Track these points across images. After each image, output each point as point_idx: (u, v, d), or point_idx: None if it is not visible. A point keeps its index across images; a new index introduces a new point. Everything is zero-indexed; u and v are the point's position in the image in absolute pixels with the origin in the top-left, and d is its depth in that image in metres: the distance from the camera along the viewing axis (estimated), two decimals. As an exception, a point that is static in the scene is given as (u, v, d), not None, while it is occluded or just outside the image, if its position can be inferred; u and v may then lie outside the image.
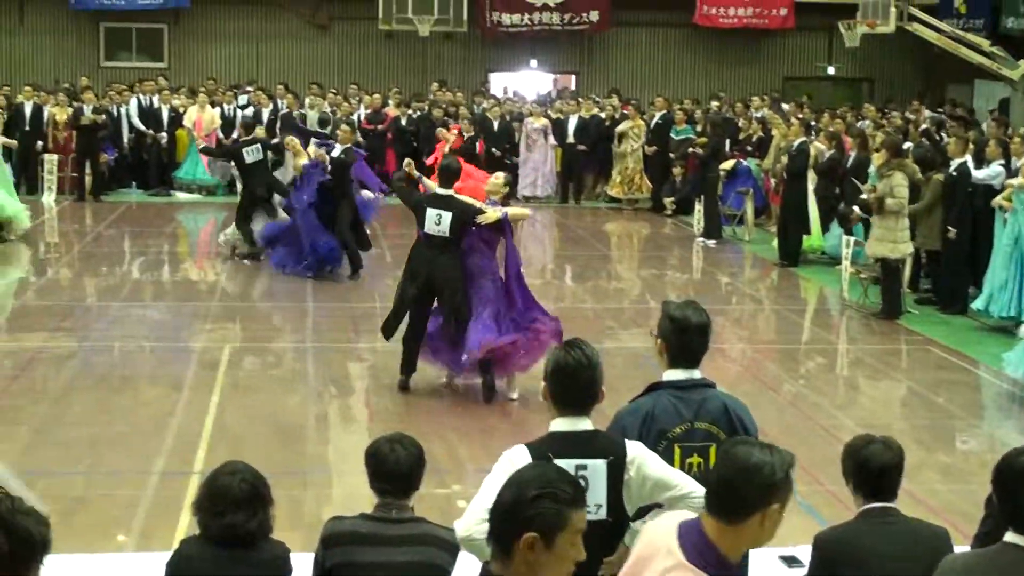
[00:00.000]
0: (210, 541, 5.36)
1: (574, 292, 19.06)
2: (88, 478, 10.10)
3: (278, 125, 25.10)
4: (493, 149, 27.50)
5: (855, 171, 19.55)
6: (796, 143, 20.93)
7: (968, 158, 17.12)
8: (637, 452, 5.25)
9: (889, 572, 5.57)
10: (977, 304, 16.30)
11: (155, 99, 28.09)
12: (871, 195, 16.77)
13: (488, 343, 12.18)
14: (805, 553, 6.17)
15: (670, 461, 5.45)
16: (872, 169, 18.05)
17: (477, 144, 22.82)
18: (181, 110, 27.85)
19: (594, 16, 33.05)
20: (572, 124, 28.04)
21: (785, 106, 28.19)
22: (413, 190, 13.08)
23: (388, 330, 12.78)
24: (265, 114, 26.89)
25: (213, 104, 27.72)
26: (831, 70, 35.09)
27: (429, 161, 21.68)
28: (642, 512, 5.31)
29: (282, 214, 19.52)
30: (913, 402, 13.42)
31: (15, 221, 21.12)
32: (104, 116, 26.47)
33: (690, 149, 24.99)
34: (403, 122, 27.97)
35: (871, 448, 5.84)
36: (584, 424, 5.25)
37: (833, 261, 20.08)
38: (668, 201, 26.23)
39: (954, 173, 17.11)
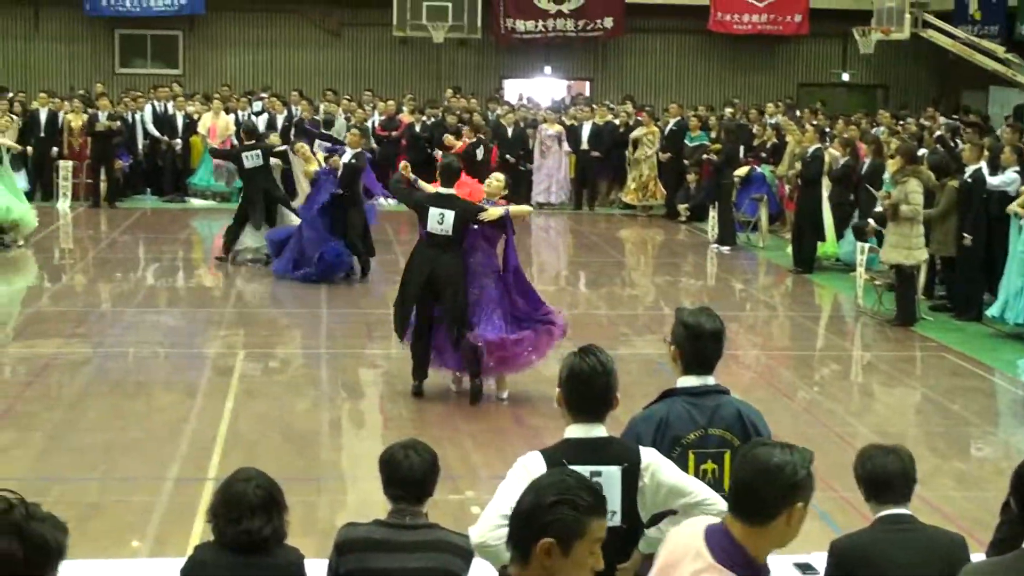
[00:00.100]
0: (224, 547, 5.36)
1: (588, 298, 19.05)
2: (102, 484, 10.11)
3: (292, 132, 25.18)
4: (507, 156, 27.52)
5: (870, 178, 19.54)
6: (811, 150, 20.91)
7: (983, 164, 17.08)
8: (651, 459, 5.24)
9: (905, 579, 5.56)
10: (992, 311, 16.27)
11: (170, 106, 28.15)
12: (886, 202, 16.74)
13: (496, 338, 12.25)
14: (820, 560, 6.15)
15: (684, 468, 5.44)
16: (887, 176, 18.02)
17: (478, 150, 22.88)
18: (196, 117, 27.91)
19: (608, 23, 33.04)
20: (586, 131, 28.04)
21: (797, 112, 28.17)
22: (413, 191, 13.18)
23: (401, 327, 12.76)
24: (280, 120, 26.95)
25: (228, 111, 27.75)
26: (846, 77, 35.04)
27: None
28: (656, 519, 5.30)
29: (291, 218, 19.59)
30: (928, 409, 13.39)
31: (21, 224, 21.15)
32: (119, 123, 26.54)
33: (704, 156, 24.97)
34: (417, 128, 27.97)
35: (878, 455, 5.84)
36: (598, 431, 5.24)
37: (847, 268, 20.03)
38: (682, 208, 26.23)
39: (969, 180, 17.07)
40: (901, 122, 26.45)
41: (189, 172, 27.91)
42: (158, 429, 11.53)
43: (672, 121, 27.55)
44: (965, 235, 16.86)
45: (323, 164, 18.90)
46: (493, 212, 12.30)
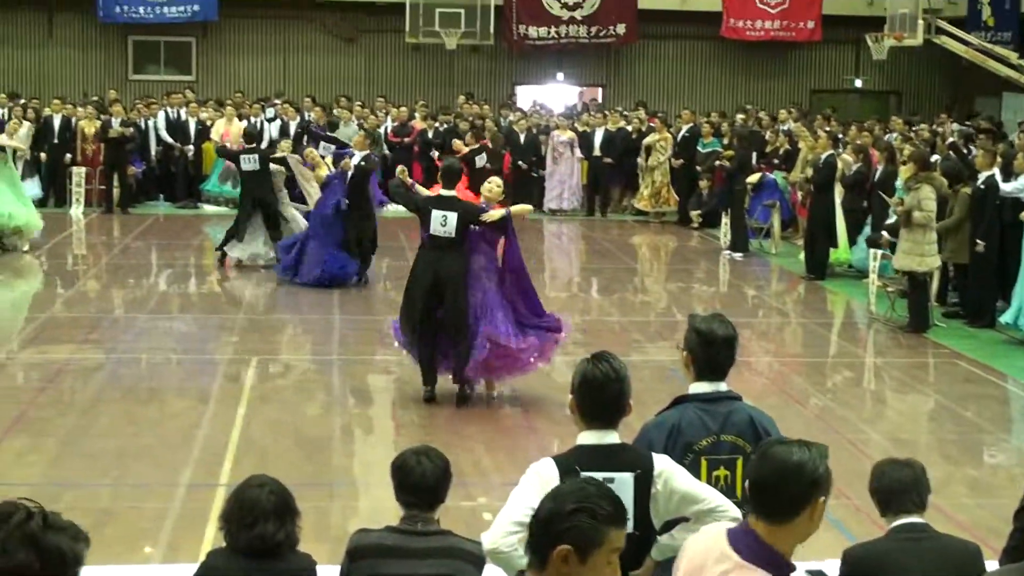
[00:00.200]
0: (237, 553, 5.36)
1: (600, 305, 19.04)
2: (115, 490, 10.12)
3: (305, 138, 25.25)
4: (519, 162, 27.55)
5: (882, 184, 19.51)
6: (824, 156, 20.87)
7: (996, 171, 17.05)
8: (664, 466, 5.23)
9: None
10: (1005, 317, 16.23)
11: (183, 112, 28.20)
12: (898, 208, 16.71)
13: (501, 337, 12.30)
14: (833, 568, 6.15)
15: (696, 474, 5.44)
16: (899, 182, 18.00)
17: (478, 157, 22.97)
18: (208, 123, 27.95)
19: (621, 29, 33.02)
20: (599, 137, 28.05)
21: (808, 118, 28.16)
22: (414, 194, 13.28)
23: (408, 330, 12.76)
24: (292, 127, 26.99)
25: (240, 117, 27.77)
26: (858, 83, 35.01)
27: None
28: (669, 526, 5.29)
29: (297, 225, 19.69)
30: (941, 416, 13.36)
31: (24, 230, 21.18)
32: (132, 129, 26.59)
33: (717, 162, 24.94)
34: (430, 135, 27.99)
35: (891, 468, 5.85)
36: (611, 437, 5.24)
37: (860, 274, 20.00)
38: (695, 214, 26.22)
39: (982, 186, 17.04)
40: (914, 128, 26.41)
41: (202, 178, 27.94)
42: (170, 435, 11.54)
43: (685, 127, 27.54)
44: (978, 241, 16.83)
45: (332, 168, 18.94)
46: (495, 213, 12.39)
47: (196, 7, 31.86)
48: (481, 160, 23.98)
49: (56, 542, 3.08)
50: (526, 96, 34.22)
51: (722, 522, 4.35)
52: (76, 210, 25.82)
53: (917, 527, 5.70)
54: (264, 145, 23.14)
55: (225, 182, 27.29)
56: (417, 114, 28.93)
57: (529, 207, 14.18)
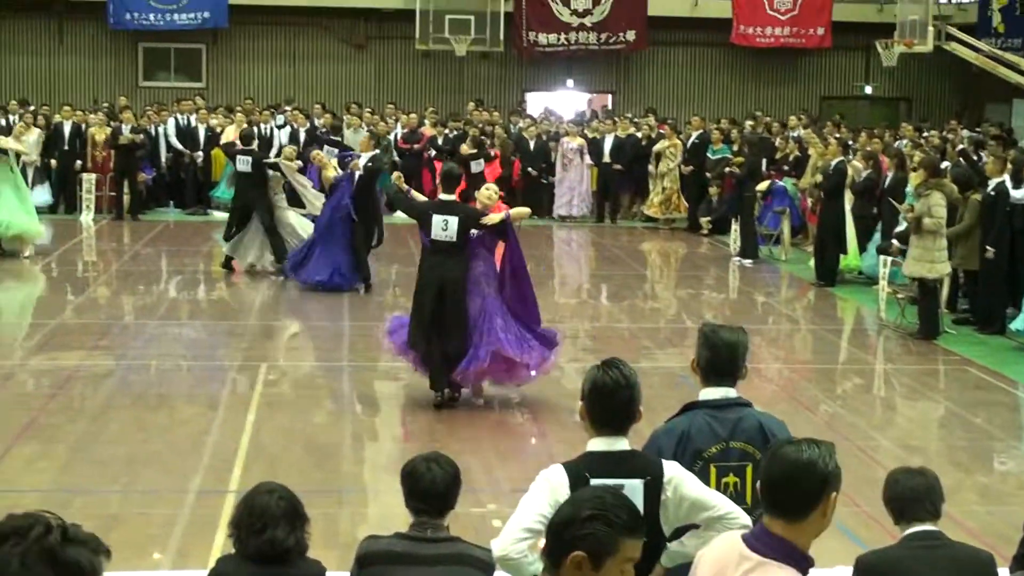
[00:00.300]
0: (246, 559, 5.36)
1: (610, 312, 19.03)
2: (124, 496, 10.12)
3: (308, 142, 25.36)
4: (529, 169, 27.56)
5: (892, 191, 19.48)
6: (834, 163, 20.84)
7: (1006, 177, 17.03)
8: (674, 472, 5.22)
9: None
10: (1015, 324, 16.20)
11: (193, 119, 28.22)
12: (909, 215, 16.70)
13: (501, 351, 12.32)
14: (844, 575, 6.13)
15: (705, 481, 5.44)
16: (909, 189, 17.97)
17: (473, 163, 23.04)
18: (218, 130, 27.97)
19: (631, 36, 33.02)
20: (608, 143, 28.05)
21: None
22: (414, 200, 13.34)
23: (420, 337, 12.75)
24: (302, 134, 27.02)
25: (250, 124, 27.75)
26: (868, 89, 34.99)
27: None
28: (678, 533, 5.29)
29: (299, 228, 19.78)
30: (951, 423, 13.34)
31: (25, 236, 21.20)
32: (142, 136, 26.64)
33: (727, 169, 24.94)
34: (439, 141, 28.01)
35: (904, 477, 5.85)
36: (621, 444, 5.23)
37: (870, 281, 19.97)
38: (704, 221, 26.22)
39: (992, 193, 17.02)
40: (924, 135, 26.38)
41: (211, 185, 27.96)
42: (180, 441, 11.55)
43: (694, 134, 27.54)
44: (988, 248, 16.80)
45: (339, 170, 18.96)
46: (494, 216, 12.44)
47: (206, 14, 31.90)
48: (478, 166, 24.04)
49: (75, 556, 3.06)
50: (536, 103, 34.24)
51: (733, 530, 4.35)
52: (86, 217, 25.86)
53: (931, 535, 5.69)
54: (274, 151, 23.17)
55: (232, 185, 27.30)
56: (427, 121, 28.96)
57: (527, 210, 14.25)
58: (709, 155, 26.57)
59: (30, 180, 25.99)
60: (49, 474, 10.54)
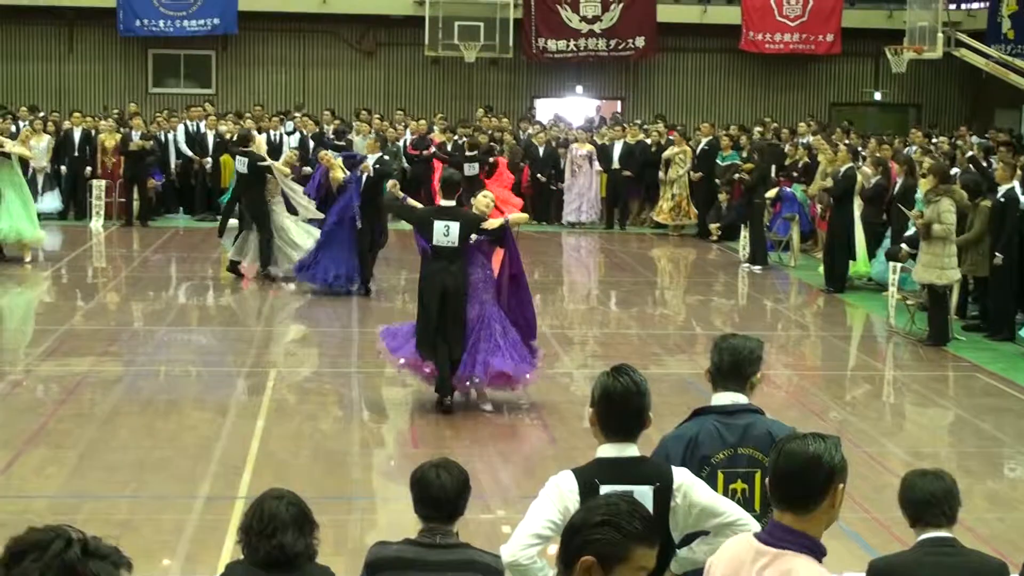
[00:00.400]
0: (255, 565, 5.34)
1: (619, 318, 19.02)
2: (134, 502, 10.13)
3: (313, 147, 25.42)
4: (538, 175, 27.57)
5: (902, 197, 19.47)
6: (843, 169, 20.82)
7: (1016, 184, 17.02)
8: (684, 479, 5.22)
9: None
10: (1025, 331, 16.20)
11: (202, 125, 28.25)
12: (918, 221, 16.68)
13: (494, 369, 12.43)
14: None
15: (713, 487, 5.44)
16: (919, 195, 17.95)
17: (467, 165, 23.09)
18: (228, 136, 27.97)
19: (640, 42, 33.02)
20: (617, 150, 28.03)
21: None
22: (413, 207, 13.41)
23: (425, 349, 12.79)
24: (311, 140, 27.05)
25: (260, 130, 27.76)
26: (878, 96, 34.96)
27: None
28: (688, 539, 5.28)
29: (295, 235, 19.80)
30: (960, 429, 13.32)
31: (28, 242, 21.20)
32: (152, 142, 26.68)
33: (736, 175, 24.92)
34: (448, 148, 28.00)
35: (920, 480, 5.83)
36: (631, 450, 5.23)
37: (880, 287, 19.94)
38: (714, 227, 26.21)
39: (1002, 199, 17.00)
40: (933, 141, 26.35)
41: (221, 191, 27.93)
42: (189, 447, 11.56)
43: (704, 140, 27.52)
44: (997, 254, 16.78)
45: (347, 171, 18.97)
46: (494, 221, 12.56)
47: (216, 20, 31.93)
48: (472, 169, 24.02)
49: (96, 570, 3.05)
50: (545, 109, 34.22)
51: (743, 534, 4.37)
52: (96, 223, 25.89)
53: (945, 541, 5.68)
54: (283, 158, 23.18)
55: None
56: (436, 127, 28.96)
57: (525, 216, 14.32)
58: (718, 161, 26.54)
59: (40, 187, 26.09)
60: (58, 480, 10.55)
